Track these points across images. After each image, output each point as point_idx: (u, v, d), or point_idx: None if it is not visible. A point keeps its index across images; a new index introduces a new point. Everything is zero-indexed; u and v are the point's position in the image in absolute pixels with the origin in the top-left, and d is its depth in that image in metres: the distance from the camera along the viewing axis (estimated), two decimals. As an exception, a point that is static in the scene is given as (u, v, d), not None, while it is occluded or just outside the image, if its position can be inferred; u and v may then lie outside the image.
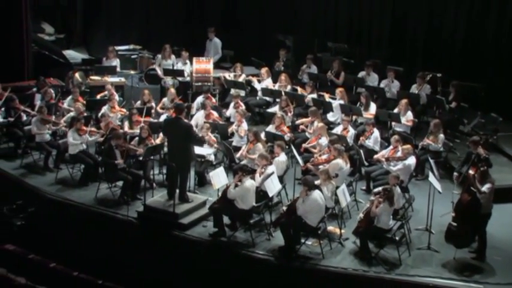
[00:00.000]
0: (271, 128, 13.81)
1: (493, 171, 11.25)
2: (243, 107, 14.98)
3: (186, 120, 11.95)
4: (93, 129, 13.38)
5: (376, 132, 13.40)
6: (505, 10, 16.59)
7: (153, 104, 14.84)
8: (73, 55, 20.44)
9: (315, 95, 15.57)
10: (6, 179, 13.27)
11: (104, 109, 14.31)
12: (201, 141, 12.68)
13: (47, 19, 22.00)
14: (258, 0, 20.16)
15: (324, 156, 12.43)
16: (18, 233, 11.47)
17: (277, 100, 15.29)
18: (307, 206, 10.59)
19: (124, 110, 14.65)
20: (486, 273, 10.34)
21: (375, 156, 12.78)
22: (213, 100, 15.39)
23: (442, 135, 13.29)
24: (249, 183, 11.07)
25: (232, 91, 15.97)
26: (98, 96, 15.30)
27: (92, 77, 16.76)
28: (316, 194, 10.66)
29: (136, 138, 13.10)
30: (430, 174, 11.39)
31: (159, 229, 11.48)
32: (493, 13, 16.76)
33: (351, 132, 13.52)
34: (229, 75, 16.75)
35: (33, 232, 11.72)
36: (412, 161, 12.16)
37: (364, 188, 12.75)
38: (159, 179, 13.04)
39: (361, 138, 13.40)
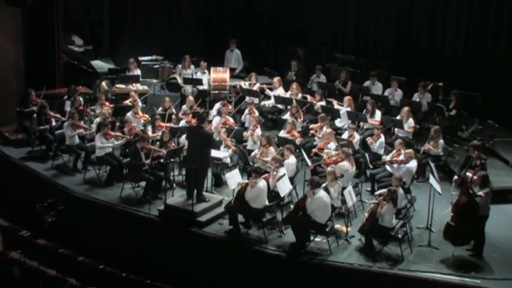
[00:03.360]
0: (282, 133, 13.82)
1: (489, 174, 11.18)
2: (257, 113, 15.01)
3: (207, 129, 12.02)
4: (118, 133, 13.46)
5: (382, 138, 13.38)
6: (501, 26, 16.51)
7: (174, 110, 14.89)
8: (100, 65, 20.51)
9: (323, 103, 15.57)
10: (39, 179, 13.36)
11: (128, 115, 14.38)
12: (218, 146, 12.66)
13: (77, 32, 22.08)
14: (272, 15, 20.18)
15: (332, 159, 12.43)
16: (49, 229, 11.54)
17: (289, 107, 15.29)
18: (314, 204, 10.61)
19: (146, 116, 14.70)
20: (483, 270, 10.31)
21: (382, 158, 12.76)
22: (230, 107, 15.41)
23: (441, 141, 13.25)
24: (262, 184, 11.09)
25: (247, 98, 16.00)
26: (124, 103, 15.32)
27: (118, 85, 16.82)
28: (321, 192, 10.69)
29: (158, 142, 13.17)
30: (431, 176, 11.38)
31: (179, 226, 11.52)
32: (490, 29, 16.67)
33: (357, 138, 13.50)
34: (244, 84, 16.77)
35: (63, 228, 11.79)
36: (413, 164, 12.13)
37: (369, 189, 12.71)
38: (179, 180, 13.07)
39: (370, 140, 13.35)
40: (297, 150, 12.98)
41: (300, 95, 15.97)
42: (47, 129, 14.19)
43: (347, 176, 11.82)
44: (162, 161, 12.63)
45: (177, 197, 12.04)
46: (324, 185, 11.03)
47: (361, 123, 14.63)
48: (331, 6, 19.24)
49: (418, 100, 15.32)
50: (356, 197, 11.69)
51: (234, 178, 11.55)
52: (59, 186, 12.93)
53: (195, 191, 11.64)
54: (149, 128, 14.02)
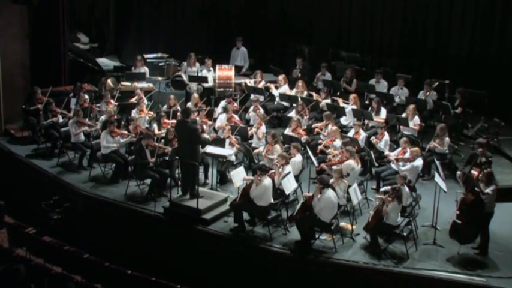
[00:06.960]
0: (288, 131, 13.80)
1: (495, 172, 11.14)
2: (262, 110, 14.99)
3: (192, 124, 11.96)
4: (124, 131, 13.45)
5: (387, 136, 13.35)
6: (507, 23, 16.46)
7: (179, 108, 14.87)
8: (106, 62, 20.51)
9: (328, 101, 15.53)
10: (44, 177, 13.39)
11: (133, 113, 14.37)
12: (206, 143, 12.39)
13: (83, 29, 22.15)
14: (277, 13, 20.16)
15: (337, 158, 12.41)
16: (54, 226, 11.53)
17: (294, 105, 15.26)
18: (321, 203, 10.59)
19: (151, 112, 14.70)
20: (489, 268, 10.28)
21: (386, 153, 12.76)
22: (235, 104, 15.39)
23: (447, 139, 13.21)
24: (267, 181, 11.07)
25: (252, 96, 15.97)
26: (131, 101, 15.30)
27: (123, 83, 16.82)
28: (329, 192, 10.64)
29: (163, 139, 13.15)
30: (436, 174, 11.33)
31: (184, 224, 11.52)
32: (496, 26, 16.63)
33: (362, 135, 13.48)
34: (249, 82, 16.75)
35: (68, 225, 11.79)
36: (419, 162, 12.10)
37: (374, 187, 12.68)
38: (184, 178, 13.06)
39: (374, 139, 13.30)
40: (303, 148, 12.96)
41: (305, 93, 15.95)
42: (53, 122, 14.16)
43: (353, 174, 11.80)
44: (167, 158, 12.63)
45: (182, 194, 12.03)
46: (329, 181, 11.00)
47: (366, 121, 14.60)
48: (336, 4, 19.22)
49: (423, 98, 15.28)
50: (361, 195, 11.67)
51: (239, 176, 11.53)
52: (64, 184, 12.94)
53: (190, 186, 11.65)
54: (155, 125, 14.01)
